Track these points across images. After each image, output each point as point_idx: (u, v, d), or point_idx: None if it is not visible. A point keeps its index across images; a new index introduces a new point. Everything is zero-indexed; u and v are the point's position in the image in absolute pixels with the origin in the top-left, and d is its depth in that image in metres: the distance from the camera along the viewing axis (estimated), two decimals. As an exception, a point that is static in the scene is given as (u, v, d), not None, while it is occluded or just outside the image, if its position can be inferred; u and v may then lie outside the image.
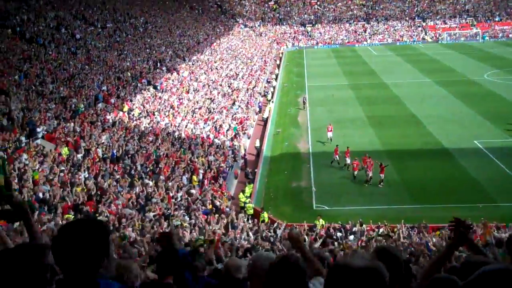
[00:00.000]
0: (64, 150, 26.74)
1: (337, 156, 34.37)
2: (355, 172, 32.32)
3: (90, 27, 53.58)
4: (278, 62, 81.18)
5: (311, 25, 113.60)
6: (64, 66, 39.66)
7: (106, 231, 2.68)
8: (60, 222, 17.76)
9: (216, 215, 25.28)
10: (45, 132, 28.53)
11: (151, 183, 26.83)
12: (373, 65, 74.77)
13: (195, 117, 42.55)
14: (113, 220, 19.86)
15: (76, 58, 43.02)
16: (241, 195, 29.75)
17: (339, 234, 22.84)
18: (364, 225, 24.66)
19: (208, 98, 48.71)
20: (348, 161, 33.72)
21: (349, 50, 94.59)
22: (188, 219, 23.37)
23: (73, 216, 19.73)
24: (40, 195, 20.87)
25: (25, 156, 24.17)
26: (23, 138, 26.30)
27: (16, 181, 21.01)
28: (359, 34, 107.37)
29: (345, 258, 2.60)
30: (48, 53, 40.57)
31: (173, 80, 51.02)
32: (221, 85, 55.20)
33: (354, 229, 24.44)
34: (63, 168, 24.38)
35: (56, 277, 2.81)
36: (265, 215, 27.59)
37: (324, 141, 40.10)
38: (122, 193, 23.82)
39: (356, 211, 27.78)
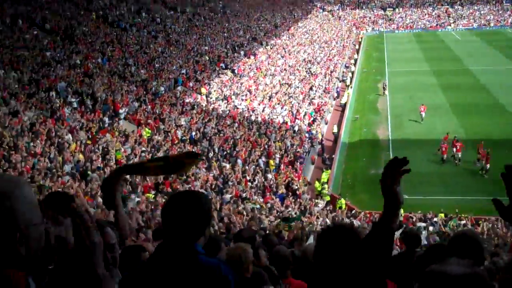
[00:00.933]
0: (145, 132, 27.29)
1: (443, 147, 32.88)
2: (444, 156, 31.33)
3: (170, 11, 54.39)
4: (357, 46, 79.52)
5: (391, 9, 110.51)
6: (144, 49, 40.46)
7: (210, 203, 2.86)
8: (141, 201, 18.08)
9: (292, 200, 25.07)
10: (127, 114, 29.20)
11: (228, 166, 26.94)
12: (457, 50, 71.67)
13: (272, 101, 42.36)
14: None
15: (156, 42, 43.78)
16: (316, 183, 29.36)
17: (420, 224, 22.03)
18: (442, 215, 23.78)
19: (285, 83, 48.37)
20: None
21: (432, 35, 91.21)
22: (264, 202, 23.31)
23: (153, 195, 20.09)
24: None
25: (108, 136, 24.84)
26: (106, 119, 27.02)
27: (99, 160, 21.62)
28: (442, 19, 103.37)
29: (440, 264, 2.33)
30: (129, 37, 41.48)
31: (250, 65, 51.04)
32: (298, 69, 54.68)
33: (435, 219, 23.55)
34: (144, 148, 24.85)
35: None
36: (342, 201, 27.06)
37: (417, 120, 39.61)
38: (199, 175, 24.00)
39: (437, 201, 26.73)
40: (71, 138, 22.75)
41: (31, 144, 20.58)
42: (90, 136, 23.98)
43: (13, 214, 1.60)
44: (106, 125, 26.43)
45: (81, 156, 21.46)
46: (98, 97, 28.76)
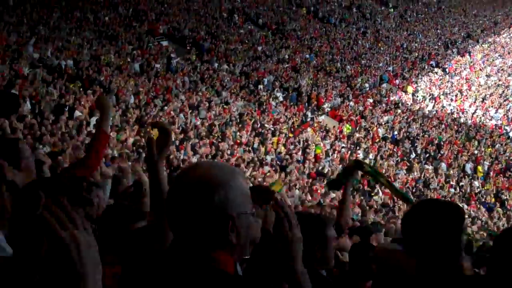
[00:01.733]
0: (346, 128, 27.15)
1: None
2: None
3: (381, 7, 53.41)
4: None
5: None
6: (352, 45, 40.29)
7: (460, 217, 2.45)
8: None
9: (501, 211, 22.97)
10: (329, 109, 29.35)
11: (430, 169, 25.64)
12: None
13: (485, 103, 39.33)
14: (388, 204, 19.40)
15: (364, 38, 43.33)
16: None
17: None
18: None
19: (502, 84, 44.59)
20: None
21: None
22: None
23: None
24: (320, 168, 21.49)
25: (309, 130, 25.21)
26: (308, 113, 27.45)
27: (300, 153, 22.02)
28: None
29: None
30: (337, 32, 41.62)
31: (464, 63, 47.98)
32: (518, 70, 50.05)
33: None
34: (343, 145, 24.75)
35: None
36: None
37: None
38: (399, 175, 23.19)
39: None
40: (274, 130, 23.49)
41: (238, 133, 21.66)
42: (292, 129, 24.52)
43: (227, 202, 1.66)
44: (308, 119, 26.84)
45: (282, 148, 22.04)
46: (303, 92, 29.35)
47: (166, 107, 20.77)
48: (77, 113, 16.44)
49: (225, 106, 23.53)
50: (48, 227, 1.17)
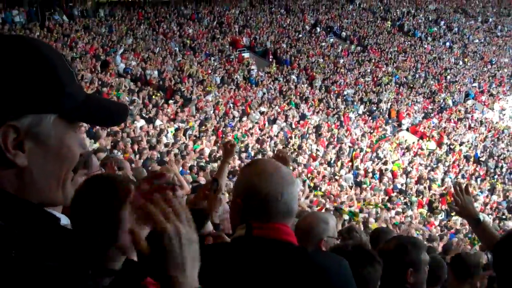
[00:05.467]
0: (426, 145, 26.50)
1: None
2: None
3: (470, 21, 51.68)
4: None
5: None
6: (437, 60, 39.26)
7: None
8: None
9: None
10: (410, 125, 28.74)
11: (514, 191, 24.51)
12: None
13: None
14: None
15: (451, 53, 42.11)
16: None
17: None
18: None
19: None
20: None
21: None
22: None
23: (426, 213, 19.41)
24: (398, 185, 21.08)
25: (387, 146, 24.78)
26: (388, 128, 27.00)
27: (376, 168, 21.71)
28: None
29: None
30: (423, 47, 40.69)
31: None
32: None
33: None
34: (422, 162, 24.16)
35: None
36: None
37: None
38: (479, 197, 22.34)
39: None
40: (351, 144, 23.29)
41: (315, 147, 21.64)
42: (370, 144, 24.22)
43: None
44: (388, 135, 26.41)
45: (359, 163, 21.80)
46: (383, 106, 28.91)
47: (244, 119, 21.09)
48: (158, 122, 17.03)
49: (305, 120, 23.59)
50: (152, 218, 1.21)
